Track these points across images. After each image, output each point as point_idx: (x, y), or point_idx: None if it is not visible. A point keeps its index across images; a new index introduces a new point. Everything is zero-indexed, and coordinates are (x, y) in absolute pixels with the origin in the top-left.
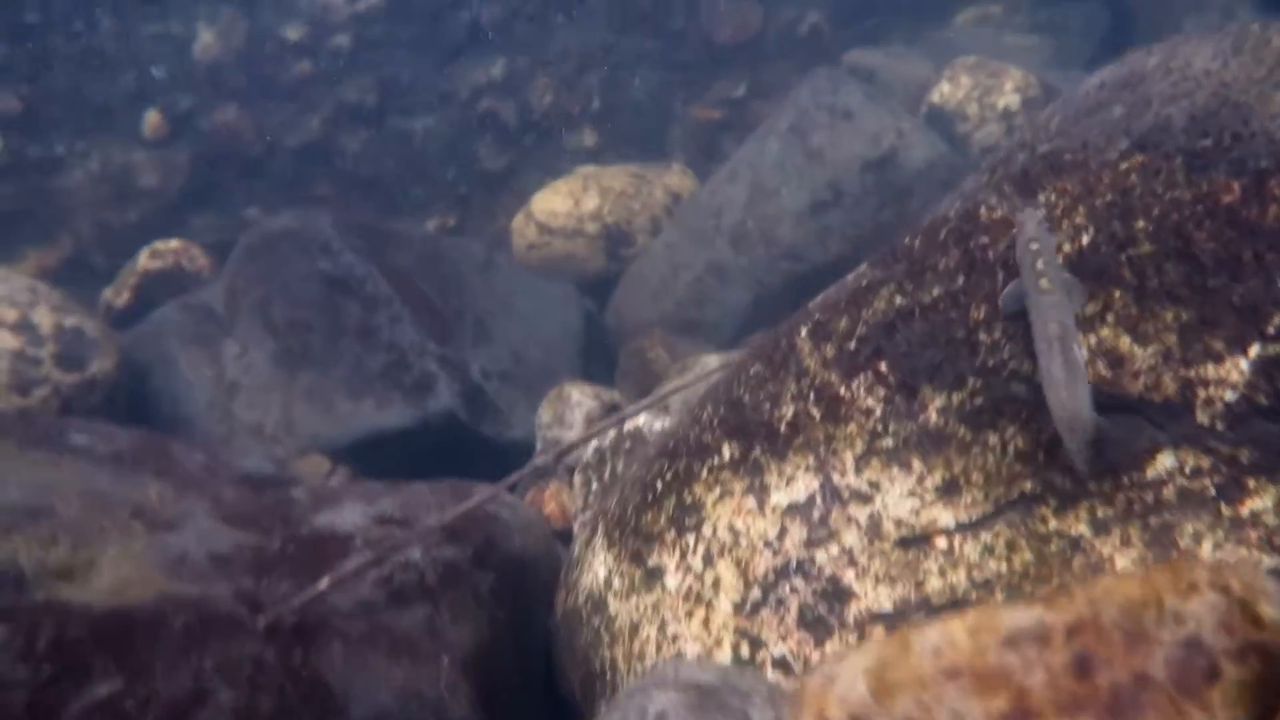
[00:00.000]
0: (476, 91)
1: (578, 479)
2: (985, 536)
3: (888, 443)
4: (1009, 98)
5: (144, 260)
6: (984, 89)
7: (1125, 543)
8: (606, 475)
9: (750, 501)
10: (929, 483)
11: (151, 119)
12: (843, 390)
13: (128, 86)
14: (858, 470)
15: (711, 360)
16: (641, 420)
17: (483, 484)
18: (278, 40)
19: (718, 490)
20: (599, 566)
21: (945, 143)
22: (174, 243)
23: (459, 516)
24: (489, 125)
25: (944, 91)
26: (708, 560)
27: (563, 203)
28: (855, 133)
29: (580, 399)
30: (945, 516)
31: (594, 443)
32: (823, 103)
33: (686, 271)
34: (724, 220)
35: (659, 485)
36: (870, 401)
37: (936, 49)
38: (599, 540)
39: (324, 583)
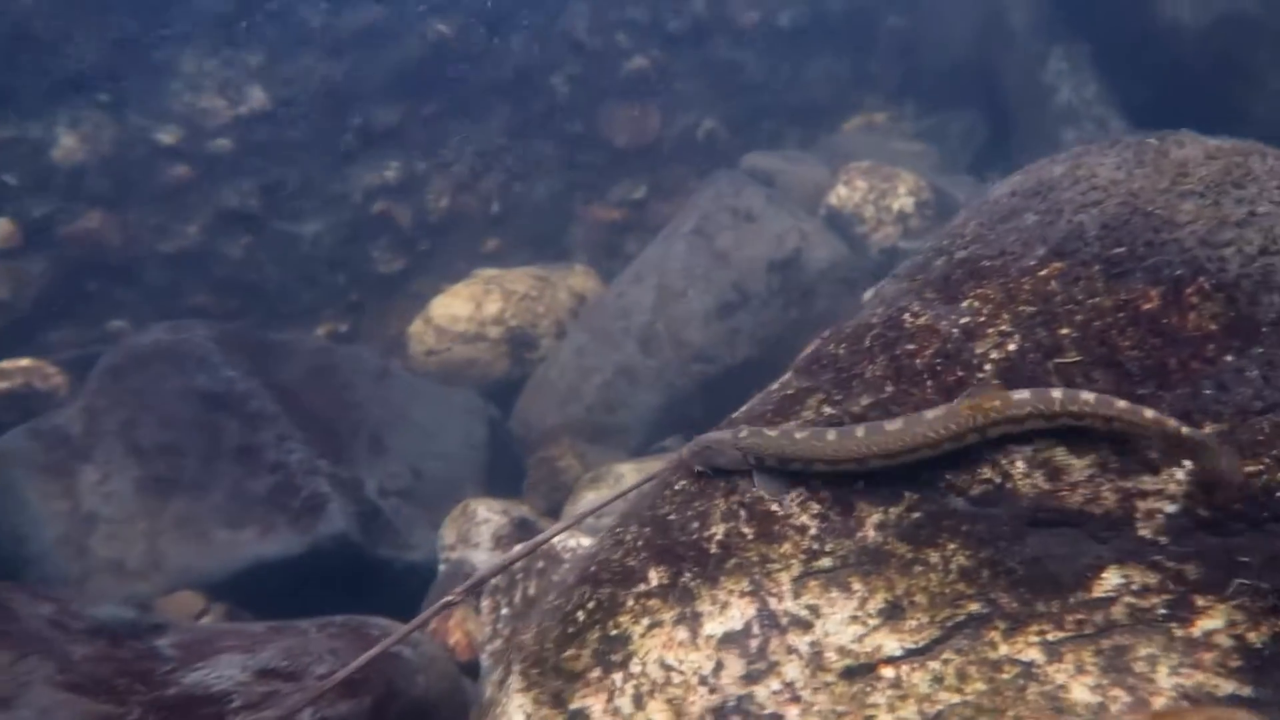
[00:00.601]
0: (370, 194)
1: (485, 604)
2: (934, 665)
3: (826, 563)
4: (903, 200)
5: None
6: (879, 192)
7: (1080, 669)
8: (518, 599)
9: (682, 632)
10: (871, 606)
11: (2, 227)
12: (776, 507)
13: None
14: (796, 594)
15: (625, 470)
16: (555, 538)
17: (380, 619)
18: (150, 144)
19: (646, 620)
20: (515, 712)
21: (844, 244)
22: (23, 361)
23: (355, 669)
24: (383, 228)
25: (841, 194)
26: (638, 701)
27: (463, 306)
28: (759, 234)
29: (487, 515)
30: (890, 643)
31: None
32: (725, 204)
33: (595, 375)
34: (632, 322)
35: (580, 616)
36: (805, 518)
37: (830, 153)
38: (514, 681)
39: None
